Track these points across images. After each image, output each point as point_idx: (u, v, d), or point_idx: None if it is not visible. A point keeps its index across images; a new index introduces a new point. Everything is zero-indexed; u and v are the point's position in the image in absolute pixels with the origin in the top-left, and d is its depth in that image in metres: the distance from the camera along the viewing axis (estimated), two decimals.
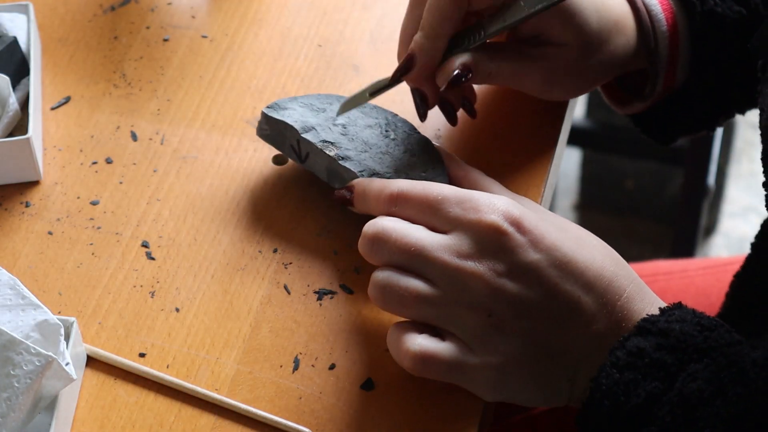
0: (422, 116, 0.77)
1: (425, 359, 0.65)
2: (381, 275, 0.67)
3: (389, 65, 0.85)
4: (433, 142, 0.77)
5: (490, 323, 0.65)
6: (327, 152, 0.75)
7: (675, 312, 0.65)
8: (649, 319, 0.64)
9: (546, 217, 0.68)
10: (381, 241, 0.67)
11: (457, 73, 0.73)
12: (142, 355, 0.71)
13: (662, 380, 0.62)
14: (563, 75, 0.77)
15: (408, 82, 0.76)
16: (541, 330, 0.65)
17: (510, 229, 0.65)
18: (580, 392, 0.66)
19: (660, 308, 0.66)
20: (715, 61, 0.81)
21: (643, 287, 0.67)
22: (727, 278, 1.04)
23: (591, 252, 0.67)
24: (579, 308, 0.65)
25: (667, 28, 0.79)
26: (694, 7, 0.79)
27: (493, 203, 0.66)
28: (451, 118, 0.77)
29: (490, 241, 0.65)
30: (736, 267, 1.05)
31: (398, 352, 0.66)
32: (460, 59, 0.73)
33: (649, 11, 0.79)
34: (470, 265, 0.65)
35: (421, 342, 0.66)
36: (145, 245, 0.76)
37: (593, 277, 0.65)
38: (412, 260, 0.66)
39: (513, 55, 0.76)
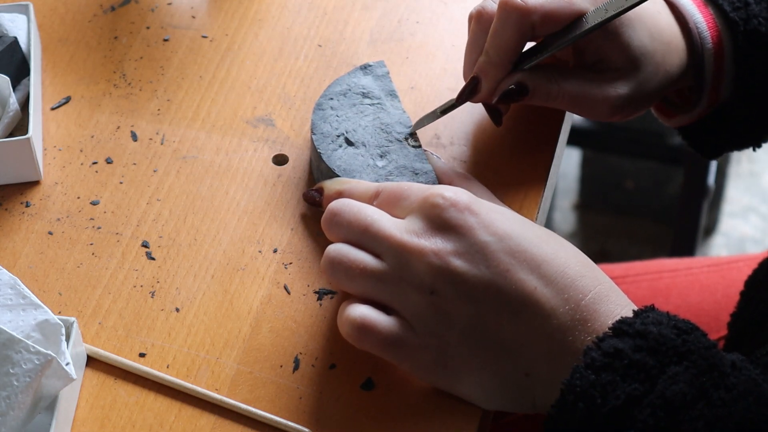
0: (497, 123, 0.79)
1: (364, 328, 0.66)
2: (333, 248, 0.68)
3: (389, 65, 0.85)
4: (430, 150, 0.78)
5: (432, 302, 0.65)
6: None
7: (649, 314, 0.64)
8: (625, 321, 0.63)
9: (510, 216, 0.68)
10: (338, 216, 0.69)
11: (510, 89, 0.75)
12: (142, 355, 0.71)
13: (642, 382, 0.61)
14: (626, 101, 0.78)
15: (472, 101, 0.78)
16: (491, 319, 0.65)
17: (462, 211, 0.66)
18: (544, 393, 0.65)
19: (633, 310, 0.65)
20: (758, 79, 0.81)
21: (615, 291, 0.66)
22: (732, 276, 1.04)
23: (554, 249, 0.66)
24: (535, 300, 0.65)
25: (713, 46, 0.81)
26: (737, 26, 0.80)
27: (448, 188, 0.67)
28: (497, 121, 0.79)
29: (440, 220, 0.66)
30: (741, 265, 1.05)
31: (341, 319, 0.67)
32: (516, 78, 0.75)
33: (697, 30, 0.81)
34: (416, 241, 0.66)
35: (363, 311, 0.66)
36: (145, 245, 0.76)
37: (554, 272, 0.65)
38: (363, 236, 0.68)
39: (576, 79, 0.77)
